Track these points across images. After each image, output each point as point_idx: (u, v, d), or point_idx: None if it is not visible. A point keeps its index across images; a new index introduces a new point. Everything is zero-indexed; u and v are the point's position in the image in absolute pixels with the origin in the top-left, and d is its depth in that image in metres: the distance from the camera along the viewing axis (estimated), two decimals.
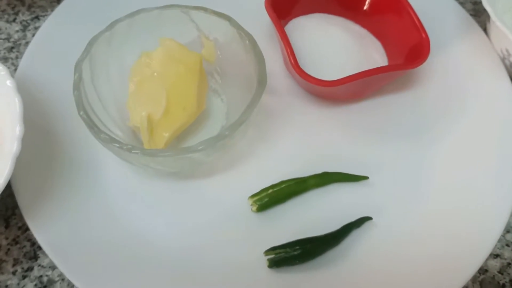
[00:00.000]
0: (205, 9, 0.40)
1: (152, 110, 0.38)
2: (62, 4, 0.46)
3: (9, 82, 0.35)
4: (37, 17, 0.49)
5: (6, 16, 0.49)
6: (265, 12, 0.43)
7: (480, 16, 0.50)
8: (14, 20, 0.49)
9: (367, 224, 0.38)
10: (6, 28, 0.48)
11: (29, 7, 0.50)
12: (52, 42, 0.44)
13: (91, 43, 0.38)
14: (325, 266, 0.37)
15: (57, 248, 0.35)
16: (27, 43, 0.47)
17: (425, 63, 0.41)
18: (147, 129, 0.38)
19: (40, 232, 0.36)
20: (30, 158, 0.38)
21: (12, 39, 0.48)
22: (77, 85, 0.37)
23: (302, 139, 0.42)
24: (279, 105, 0.43)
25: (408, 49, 0.43)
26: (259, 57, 0.38)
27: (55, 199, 0.37)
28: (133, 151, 0.34)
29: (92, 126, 0.35)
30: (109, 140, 0.35)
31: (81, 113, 0.36)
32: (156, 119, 0.38)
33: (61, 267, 0.35)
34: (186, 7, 0.40)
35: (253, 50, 0.39)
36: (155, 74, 0.40)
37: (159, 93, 0.39)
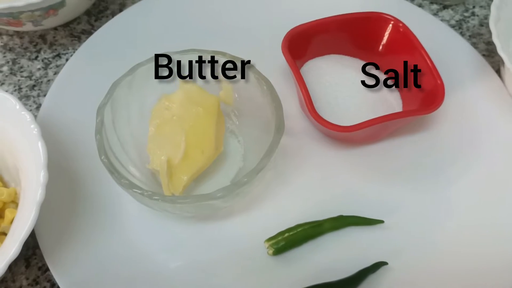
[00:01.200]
0: (223, 54, 0.41)
1: (171, 153, 0.39)
2: (84, 45, 0.48)
3: (33, 128, 0.36)
4: (58, 55, 0.50)
5: (28, 54, 0.50)
6: (278, 56, 0.44)
7: (493, 56, 0.51)
8: (36, 58, 0.50)
9: (382, 269, 0.39)
10: (28, 66, 0.50)
11: (51, 45, 0.51)
12: (74, 82, 0.46)
13: (113, 87, 0.39)
14: None
15: None
16: (48, 81, 0.49)
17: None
18: (166, 173, 0.39)
19: (60, 274, 0.36)
20: (51, 199, 0.38)
21: (34, 77, 0.49)
22: (99, 130, 0.37)
23: (318, 181, 0.43)
24: (295, 147, 0.44)
25: (423, 94, 0.44)
26: (276, 103, 0.39)
27: (76, 240, 0.38)
28: (153, 198, 0.35)
29: (113, 171, 0.36)
30: (129, 186, 0.35)
31: (103, 157, 0.36)
32: (175, 163, 0.39)
33: None
34: (206, 51, 0.41)
35: (270, 95, 0.39)
36: (175, 117, 0.40)
37: (179, 136, 0.40)
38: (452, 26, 0.53)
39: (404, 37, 0.45)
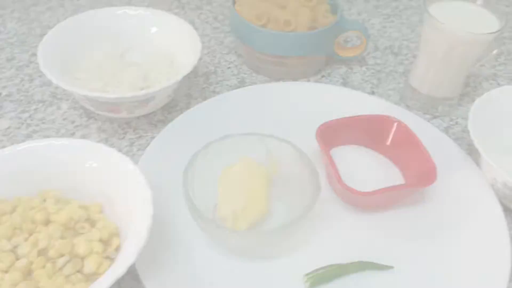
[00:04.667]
0: (274, 137, 0.57)
1: (235, 206, 0.53)
2: (166, 128, 0.63)
3: (141, 179, 0.50)
4: (140, 137, 0.66)
5: (117, 135, 0.66)
6: (311, 142, 0.59)
7: (473, 153, 0.66)
8: (123, 138, 0.66)
9: None
10: (117, 143, 0.65)
11: (134, 129, 0.67)
12: (158, 154, 0.60)
13: (194, 157, 0.54)
14: None
15: None
16: (133, 155, 0.63)
17: (432, 185, 0.56)
18: (232, 219, 0.52)
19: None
20: None
21: (122, 152, 0.63)
22: (185, 184, 0.51)
23: (342, 236, 0.56)
24: (324, 210, 0.57)
25: (420, 174, 0.59)
26: (314, 173, 0.53)
27: (159, 262, 0.50)
28: (227, 230, 0.48)
29: (197, 212, 0.49)
30: (211, 222, 0.49)
31: (189, 203, 0.50)
32: (238, 213, 0.52)
33: None
34: (262, 135, 0.57)
35: (309, 167, 0.54)
36: (237, 181, 0.55)
37: (240, 195, 0.53)
38: (440, 131, 0.69)
39: (406, 133, 0.61)
